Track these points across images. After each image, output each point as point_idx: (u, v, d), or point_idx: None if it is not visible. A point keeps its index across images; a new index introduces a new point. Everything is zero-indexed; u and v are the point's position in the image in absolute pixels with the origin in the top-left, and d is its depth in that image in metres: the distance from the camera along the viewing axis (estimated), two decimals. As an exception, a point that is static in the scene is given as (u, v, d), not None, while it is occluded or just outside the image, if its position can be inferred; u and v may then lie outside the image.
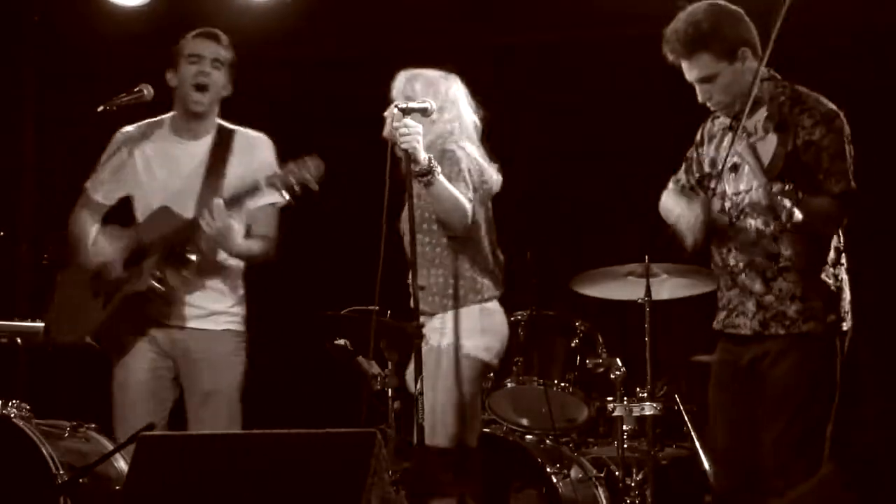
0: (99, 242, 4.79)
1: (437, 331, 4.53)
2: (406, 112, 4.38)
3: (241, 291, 4.87)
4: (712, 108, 4.22)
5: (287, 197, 4.57)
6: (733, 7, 4.19)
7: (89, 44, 7.03)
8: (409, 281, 4.50)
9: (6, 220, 6.42)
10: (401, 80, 4.68)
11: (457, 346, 4.48)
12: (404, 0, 7.11)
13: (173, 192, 4.77)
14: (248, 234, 4.77)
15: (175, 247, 4.66)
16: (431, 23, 7.08)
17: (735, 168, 4.14)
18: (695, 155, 4.38)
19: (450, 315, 4.54)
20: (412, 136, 4.28)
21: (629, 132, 7.13)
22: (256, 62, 7.21)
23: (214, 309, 4.77)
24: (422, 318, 4.45)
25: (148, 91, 4.80)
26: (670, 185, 4.47)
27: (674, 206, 4.31)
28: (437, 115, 4.58)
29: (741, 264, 4.16)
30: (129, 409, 4.74)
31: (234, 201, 4.60)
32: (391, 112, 4.43)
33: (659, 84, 6.84)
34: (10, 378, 5.53)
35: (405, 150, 4.30)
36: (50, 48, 7.27)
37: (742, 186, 4.13)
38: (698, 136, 4.39)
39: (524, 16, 7.09)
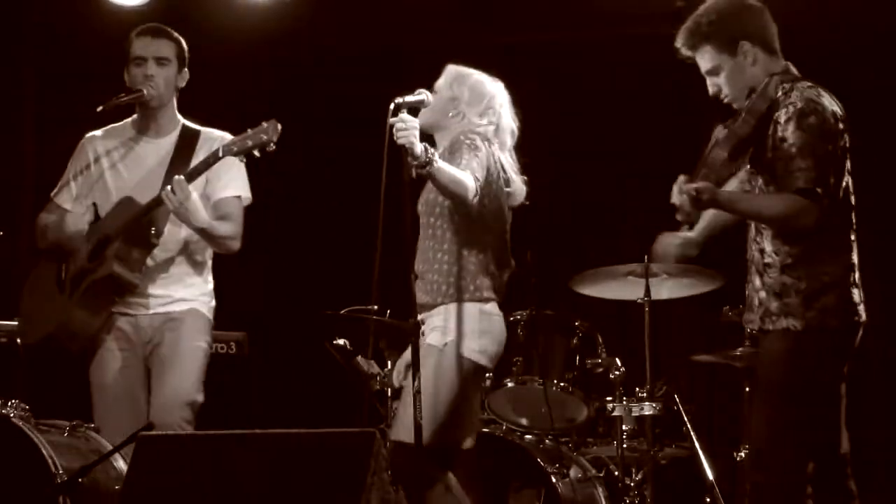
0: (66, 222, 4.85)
1: (437, 329, 4.52)
2: (402, 107, 4.35)
3: (210, 286, 4.91)
4: (724, 101, 4.25)
5: (244, 161, 4.65)
6: (752, 2, 4.22)
7: (89, 44, 7.03)
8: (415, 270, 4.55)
9: (6, 220, 6.42)
10: (449, 75, 4.70)
11: (455, 345, 4.47)
12: (404, 0, 7.12)
13: (137, 189, 4.80)
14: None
15: (136, 230, 4.68)
16: (431, 22, 7.08)
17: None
18: None
19: (450, 312, 4.53)
20: (409, 131, 4.25)
21: (629, 132, 7.13)
22: (256, 62, 7.25)
23: (180, 297, 4.83)
24: (420, 316, 4.44)
25: (148, 91, 4.81)
26: None
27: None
28: (478, 120, 4.61)
29: (750, 260, 4.22)
30: (108, 410, 4.80)
31: (195, 173, 4.63)
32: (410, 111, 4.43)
33: (659, 84, 6.89)
34: (10, 378, 5.53)
35: (402, 146, 4.27)
36: (50, 48, 7.27)
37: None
38: None
39: (524, 15, 7.10)
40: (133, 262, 4.70)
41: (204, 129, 4.91)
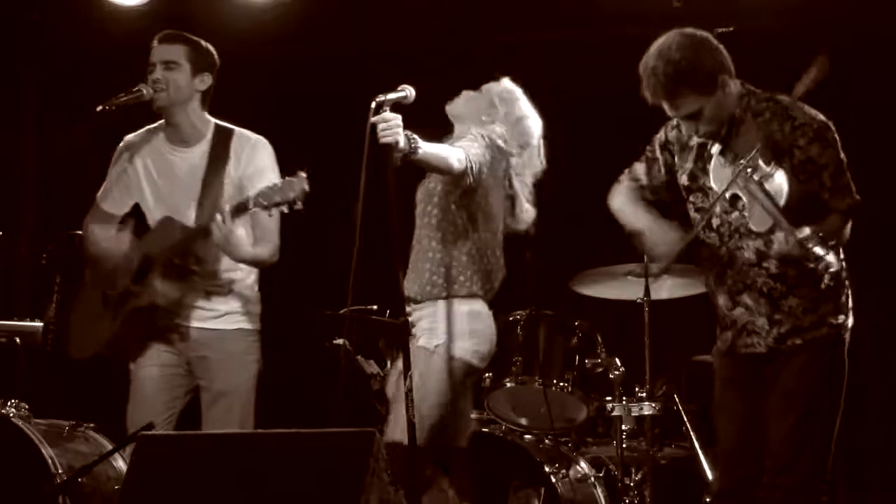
0: (107, 244, 4.83)
1: (427, 332, 4.53)
2: (384, 105, 4.26)
3: (255, 291, 4.89)
4: (700, 139, 4.19)
5: (275, 214, 4.60)
6: (702, 34, 4.11)
7: (89, 44, 7.03)
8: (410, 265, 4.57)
9: (6, 220, 6.42)
10: (504, 89, 4.78)
11: (445, 347, 4.48)
12: (403, 0, 7.12)
13: (174, 201, 4.78)
14: (254, 239, 4.78)
15: (176, 259, 4.69)
16: (431, 22, 7.08)
17: (735, 196, 4.09)
18: (660, 157, 4.36)
19: (438, 313, 4.53)
20: (391, 129, 4.21)
21: (629, 132, 7.11)
22: (255, 61, 7.25)
23: (226, 310, 4.79)
24: (409, 310, 4.43)
25: (147, 91, 4.81)
26: (625, 181, 4.44)
27: (632, 212, 4.31)
28: (516, 150, 4.70)
29: (740, 284, 4.13)
30: (141, 402, 4.77)
31: (235, 211, 4.61)
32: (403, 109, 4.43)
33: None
34: (10, 378, 5.53)
35: (386, 145, 4.21)
36: (50, 48, 7.27)
37: (754, 226, 4.07)
38: (664, 138, 4.36)
39: (524, 14, 7.10)
40: (175, 290, 4.70)
41: (237, 130, 4.87)
